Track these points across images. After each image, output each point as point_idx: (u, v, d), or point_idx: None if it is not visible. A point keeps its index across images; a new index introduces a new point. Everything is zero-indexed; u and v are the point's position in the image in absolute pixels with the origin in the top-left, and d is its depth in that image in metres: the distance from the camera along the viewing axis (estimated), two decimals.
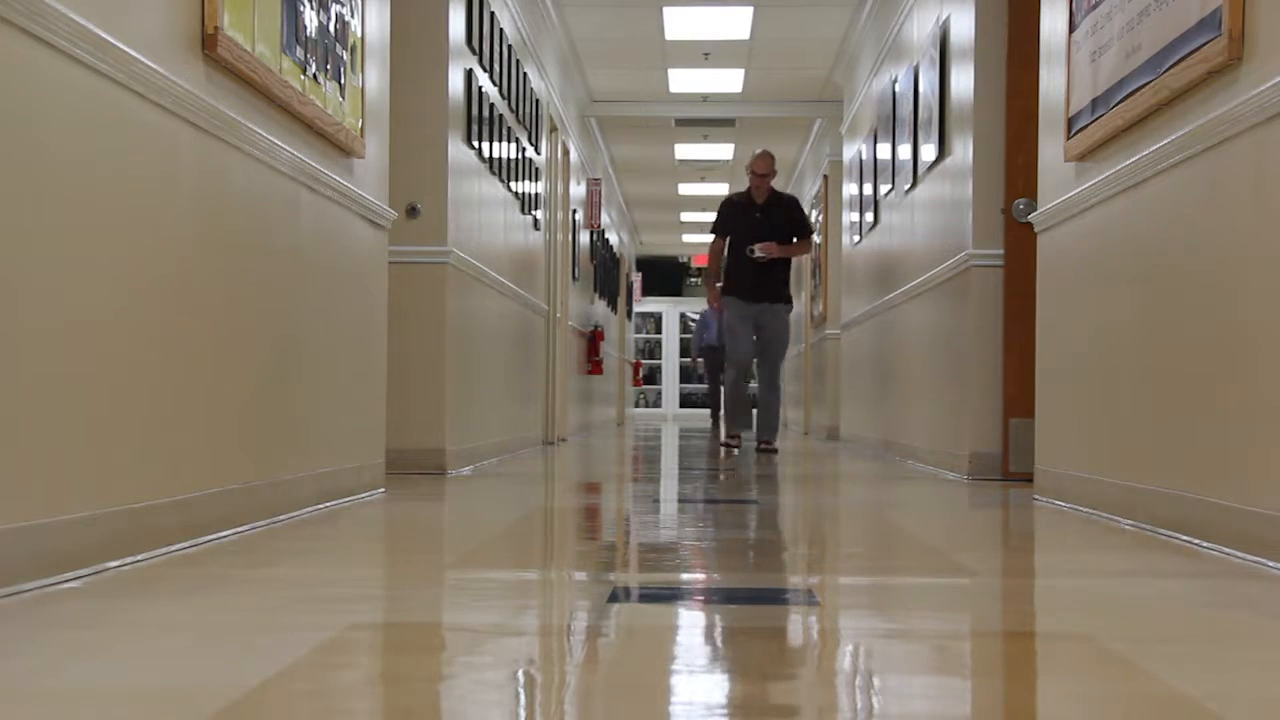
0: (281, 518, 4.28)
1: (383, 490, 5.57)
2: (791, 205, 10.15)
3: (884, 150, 10.27)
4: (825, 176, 14.86)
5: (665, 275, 28.64)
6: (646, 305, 27.79)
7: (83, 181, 3.00)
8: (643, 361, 27.59)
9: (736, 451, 10.24)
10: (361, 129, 5.18)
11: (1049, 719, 1.97)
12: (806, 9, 11.16)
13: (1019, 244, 6.77)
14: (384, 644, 2.50)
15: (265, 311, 4.21)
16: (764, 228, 9.94)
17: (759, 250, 9.81)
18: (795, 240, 10.04)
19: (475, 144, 7.66)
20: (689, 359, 26.20)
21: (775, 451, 10.24)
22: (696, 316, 25.41)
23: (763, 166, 10.05)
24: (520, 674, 2.15)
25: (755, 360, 10.15)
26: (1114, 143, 4.73)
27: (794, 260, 10.90)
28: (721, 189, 20.30)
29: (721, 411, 20.45)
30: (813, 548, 4.19)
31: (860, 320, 11.51)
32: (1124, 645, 2.41)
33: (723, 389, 10.48)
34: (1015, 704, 2.05)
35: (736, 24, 11.62)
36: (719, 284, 10.23)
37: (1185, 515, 3.99)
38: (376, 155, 5.52)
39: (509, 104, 9.06)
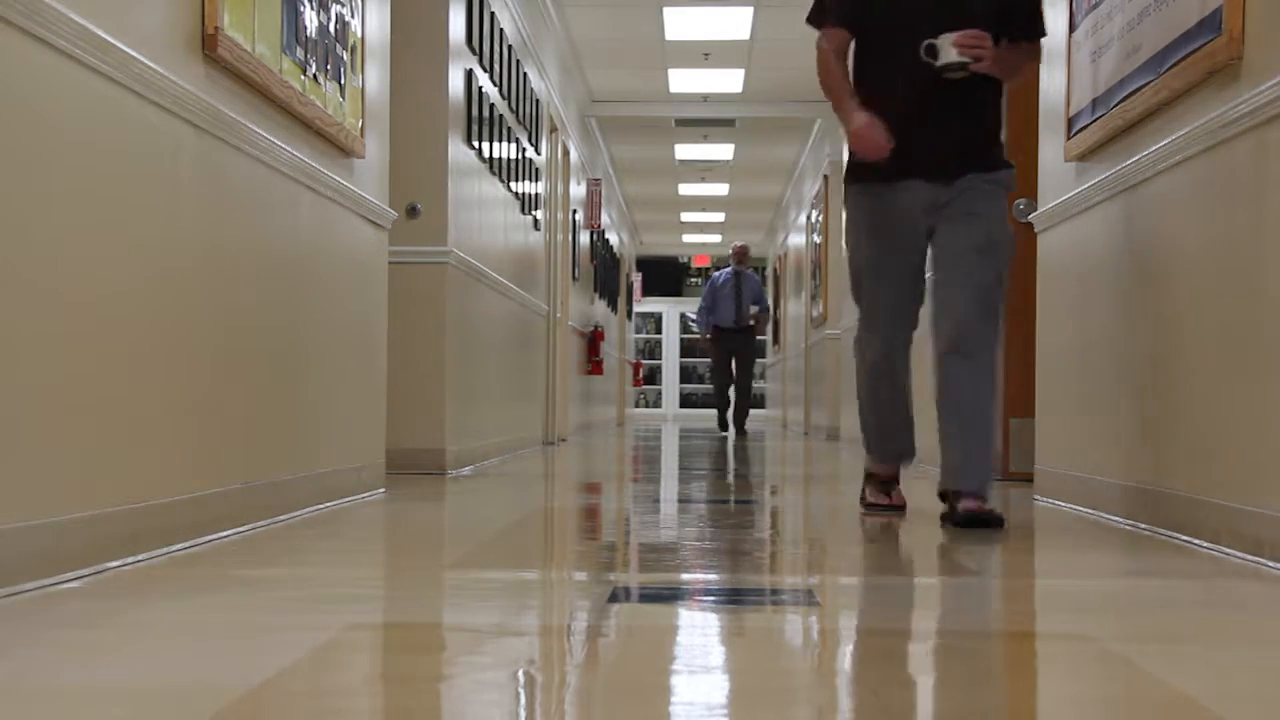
0: (281, 518, 4.28)
1: (383, 490, 5.57)
2: None
3: None
4: (825, 176, 14.85)
5: (665, 275, 28.63)
6: (646, 305, 27.78)
7: (83, 181, 3.00)
8: (643, 362, 27.58)
9: (898, 515, 4.76)
10: (361, 129, 5.18)
11: (1049, 719, 1.97)
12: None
13: (1019, 244, 6.76)
14: (384, 644, 2.50)
15: (265, 311, 4.21)
16: (945, 8, 4.43)
17: (951, 47, 4.32)
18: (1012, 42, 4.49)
19: (475, 144, 7.66)
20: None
21: (996, 517, 4.30)
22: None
23: None
24: (520, 674, 2.15)
25: (932, 313, 4.61)
26: (1114, 143, 4.73)
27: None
28: (721, 189, 20.28)
29: (724, 411, 15.49)
30: (812, 547, 4.18)
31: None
32: (1124, 645, 2.41)
33: (867, 394, 4.81)
34: (1015, 704, 2.05)
35: (736, 24, 11.61)
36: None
37: (1185, 515, 3.99)
38: (376, 155, 5.52)
39: (509, 104, 9.05)
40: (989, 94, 4.52)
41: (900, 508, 4.82)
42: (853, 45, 4.67)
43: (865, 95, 4.52)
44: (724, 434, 15.06)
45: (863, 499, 4.90)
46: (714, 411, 16.64)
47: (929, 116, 4.45)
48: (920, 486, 5.33)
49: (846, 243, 4.79)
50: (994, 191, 4.50)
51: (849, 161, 4.64)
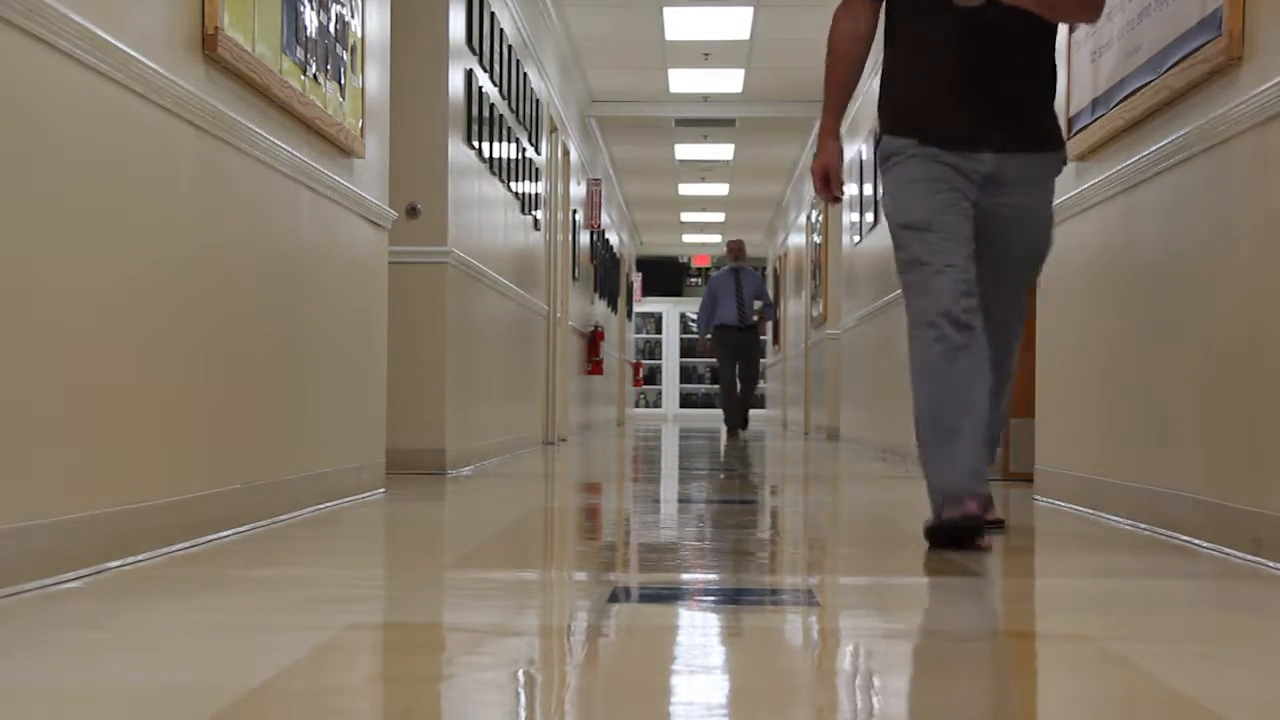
0: (281, 518, 4.28)
1: (383, 490, 5.57)
2: None
3: None
4: None
5: (665, 275, 28.63)
6: (646, 305, 27.78)
7: (83, 182, 3.00)
8: (643, 362, 27.57)
9: (987, 538, 3.86)
10: (361, 129, 5.18)
11: (1049, 719, 1.97)
12: (806, 9, 11.15)
13: None
14: (384, 644, 2.50)
15: (265, 311, 4.21)
16: None
17: None
18: None
19: (475, 144, 7.66)
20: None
21: (1000, 522, 4.33)
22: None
23: None
24: (520, 674, 2.15)
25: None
26: (1114, 143, 4.73)
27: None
28: (722, 189, 20.29)
29: (731, 412, 14.55)
30: (812, 548, 4.18)
31: (861, 320, 11.52)
32: (1124, 645, 2.41)
33: (927, 386, 3.84)
34: (1015, 704, 2.05)
35: (736, 24, 11.61)
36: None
37: (1185, 515, 3.99)
38: (376, 155, 5.52)
39: (509, 104, 9.05)
40: (1037, 44, 3.99)
41: (974, 526, 3.74)
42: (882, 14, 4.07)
43: (904, 63, 4.01)
44: (730, 435, 14.54)
45: (950, 524, 3.79)
46: (716, 411, 16.28)
47: (971, 75, 3.91)
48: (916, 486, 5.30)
49: (888, 212, 4.01)
50: (1047, 170, 4.10)
51: (886, 123, 4.04)
